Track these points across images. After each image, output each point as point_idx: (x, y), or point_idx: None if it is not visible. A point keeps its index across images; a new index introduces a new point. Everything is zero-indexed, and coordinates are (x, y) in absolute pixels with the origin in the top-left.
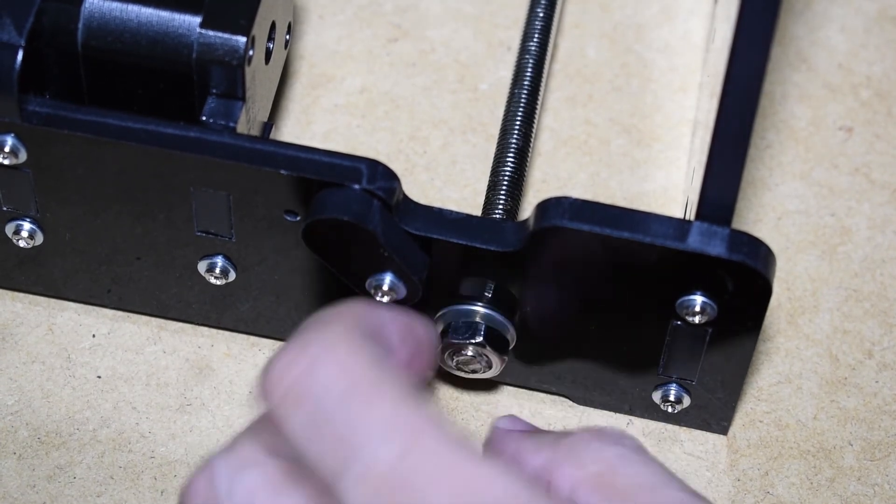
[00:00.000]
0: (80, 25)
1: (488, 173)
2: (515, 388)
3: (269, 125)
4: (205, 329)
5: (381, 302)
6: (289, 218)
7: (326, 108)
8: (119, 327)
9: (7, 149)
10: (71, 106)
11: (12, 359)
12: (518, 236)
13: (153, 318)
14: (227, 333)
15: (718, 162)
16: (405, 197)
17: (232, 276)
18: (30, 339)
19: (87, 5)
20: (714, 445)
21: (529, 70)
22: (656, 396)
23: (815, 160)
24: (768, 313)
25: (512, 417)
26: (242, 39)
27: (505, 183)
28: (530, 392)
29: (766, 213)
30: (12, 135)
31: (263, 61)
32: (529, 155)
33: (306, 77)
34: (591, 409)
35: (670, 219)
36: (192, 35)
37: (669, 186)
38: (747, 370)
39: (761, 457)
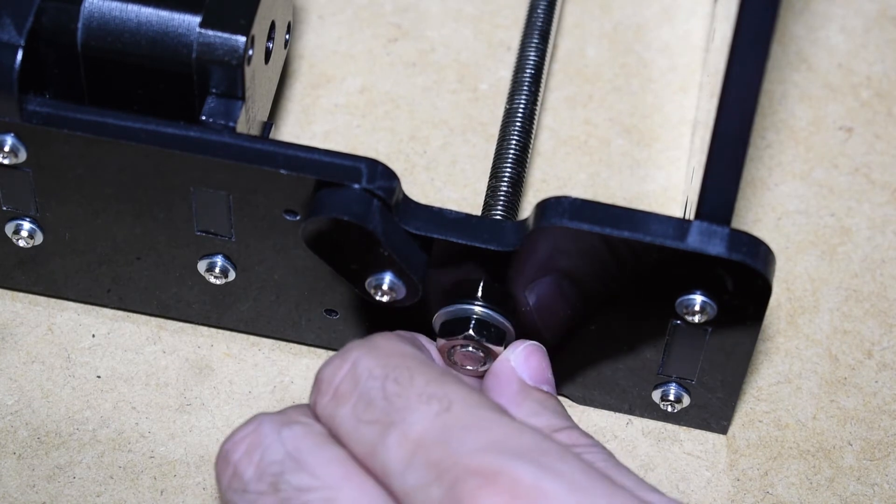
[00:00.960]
0: (80, 25)
1: (488, 173)
2: None
3: (268, 125)
4: (204, 329)
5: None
6: (288, 217)
7: (326, 108)
8: (119, 327)
9: (7, 148)
10: (71, 105)
11: (12, 359)
12: (518, 236)
13: (153, 318)
14: (226, 333)
15: (718, 161)
16: (405, 196)
17: (232, 275)
18: (29, 338)
19: (86, 5)
20: (714, 445)
21: (529, 70)
22: (656, 396)
23: (815, 160)
24: (768, 313)
25: (527, 353)
26: (242, 39)
27: (505, 183)
28: None
29: (765, 213)
30: (12, 134)
31: (263, 61)
32: (529, 155)
33: (306, 77)
34: (591, 407)
35: (670, 218)
36: (191, 35)
37: (669, 187)
38: (747, 369)
39: (761, 457)
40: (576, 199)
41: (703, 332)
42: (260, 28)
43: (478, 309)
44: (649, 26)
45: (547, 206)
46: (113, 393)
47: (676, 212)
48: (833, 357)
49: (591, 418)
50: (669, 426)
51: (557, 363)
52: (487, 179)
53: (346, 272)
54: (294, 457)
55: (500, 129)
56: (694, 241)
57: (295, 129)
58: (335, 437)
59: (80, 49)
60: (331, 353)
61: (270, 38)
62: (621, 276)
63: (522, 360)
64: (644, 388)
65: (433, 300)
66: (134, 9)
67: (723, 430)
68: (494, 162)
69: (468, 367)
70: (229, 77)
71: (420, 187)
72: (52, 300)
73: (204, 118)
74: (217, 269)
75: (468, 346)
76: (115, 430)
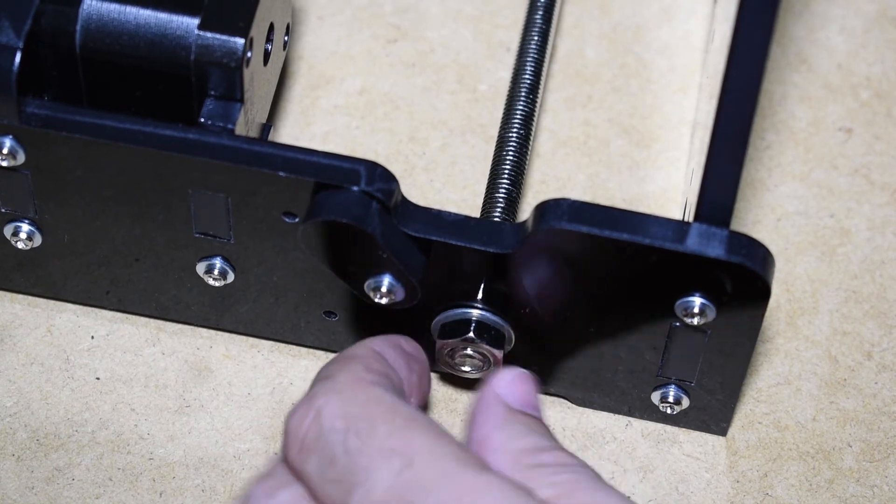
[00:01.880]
0: (79, 27)
1: (487, 174)
2: None
3: (267, 126)
4: (203, 331)
5: (378, 337)
6: (287, 220)
7: (326, 109)
8: (118, 329)
9: (6, 150)
10: (69, 108)
11: (11, 360)
12: (517, 238)
13: (152, 320)
14: (225, 335)
15: (717, 163)
16: (404, 199)
17: (230, 277)
18: (28, 340)
19: (85, 7)
20: (713, 447)
21: (529, 71)
22: (655, 397)
23: (815, 161)
24: (768, 314)
25: (513, 379)
26: (241, 41)
27: (504, 184)
28: None
29: (765, 214)
30: (11, 136)
31: (262, 63)
32: (528, 156)
33: (305, 78)
34: (590, 410)
35: (669, 220)
36: (190, 37)
37: (668, 188)
38: (746, 371)
39: (760, 458)
40: (575, 202)
41: (702, 334)
42: (258, 30)
43: (477, 311)
44: (648, 27)
45: (546, 209)
46: (112, 395)
47: (675, 213)
48: (833, 358)
49: (591, 420)
50: (669, 428)
51: (557, 365)
52: (487, 180)
53: (345, 274)
54: None
55: (500, 130)
56: (693, 243)
57: (294, 130)
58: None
59: (79, 51)
60: (330, 354)
61: (269, 39)
62: (621, 278)
63: (508, 386)
64: (643, 389)
65: (432, 302)
66: (132, 11)
67: (722, 431)
68: (493, 163)
69: (466, 370)
70: (228, 79)
71: (419, 188)
72: (51, 302)
73: (202, 120)
74: (216, 271)
75: (467, 348)
76: (114, 431)
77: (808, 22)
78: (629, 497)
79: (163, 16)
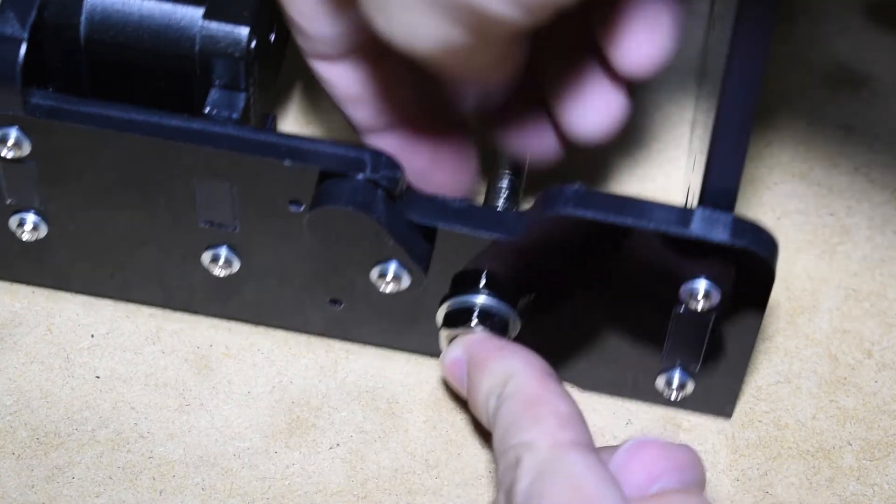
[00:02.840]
0: (83, 18)
1: (487, 174)
2: None
3: (270, 117)
4: (203, 329)
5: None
6: (293, 208)
7: (326, 108)
8: (118, 327)
9: (11, 142)
10: (74, 98)
11: (11, 359)
12: (521, 225)
13: (152, 319)
14: (225, 333)
15: (721, 148)
16: (408, 186)
17: (236, 265)
18: (28, 339)
19: None
20: (713, 445)
21: None
22: (660, 382)
23: (815, 160)
24: (768, 313)
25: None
26: (245, 31)
27: (505, 183)
28: None
29: (765, 212)
30: (16, 127)
31: (265, 52)
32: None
33: (305, 77)
34: (590, 407)
35: (673, 206)
36: (194, 27)
37: (668, 186)
38: (750, 355)
39: (760, 457)
40: (580, 188)
41: (706, 318)
42: (262, 19)
43: (481, 299)
44: None
45: (551, 195)
46: (112, 393)
47: None
48: (832, 357)
49: (591, 418)
50: (669, 426)
51: (562, 351)
52: (486, 181)
53: (351, 262)
54: None
55: None
56: (697, 227)
57: (293, 129)
58: None
59: (83, 42)
60: (335, 343)
61: (272, 29)
62: (625, 263)
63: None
64: (648, 374)
65: (437, 290)
66: (136, 2)
67: (727, 415)
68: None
69: None
70: (232, 69)
71: None
72: (51, 300)
73: (207, 110)
74: (221, 260)
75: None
76: (114, 430)
77: (809, 21)
78: None
79: (167, 6)
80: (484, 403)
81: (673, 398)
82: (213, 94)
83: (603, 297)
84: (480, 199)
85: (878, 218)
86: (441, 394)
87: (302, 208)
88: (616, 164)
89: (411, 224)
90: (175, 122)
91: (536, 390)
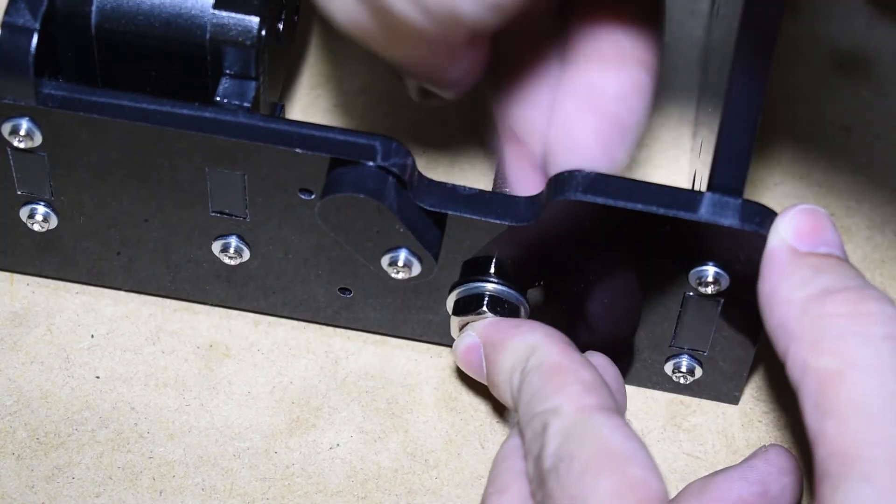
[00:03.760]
0: (94, 8)
1: (488, 174)
2: None
3: (279, 106)
4: (203, 329)
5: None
6: (303, 196)
7: (326, 108)
8: (118, 328)
9: (23, 132)
10: (86, 88)
11: (11, 359)
12: (531, 211)
13: (152, 319)
14: (225, 334)
15: (730, 134)
16: (419, 173)
17: (246, 255)
18: (28, 339)
19: None
20: (713, 446)
21: None
22: (668, 368)
23: (815, 160)
24: None
25: (793, 217)
26: (255, 20)
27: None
28: None
29: None
30: (27, 118)
31: (275, 41)
32: None
33: (306, 77)
34: None
35: (683, 190)
36: (205, 16)
37: None
38: (758, 340)
39: None
40: (589, 173)
41: (715, 302)
42: (271, 8)
43: (491, 285)
44: None
45: (560, 181)
46: (112, 393)
47: None
48: None
49: None
50: (668, 426)
51: (571, 337)
52: (488, 181)
53: (362, 249)
54: None
55: None
56: (707, 212)
57: (301, 118)
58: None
59: (94, 32)
60: (341, 332)
61: (280, 18)
62: (635, 248)
63: (789, 228)
64: (656, 360)
65: (447, 277)
66: None
67: (734, 400)
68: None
69: None
70: (243, 58)
71: None
72: (52, 300)
73: (218, 99)
74: (231, 250)
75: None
76: (114, 430)
77: (809, 21)
78: None
79: None
80: (507, 381)
81: (681, 383)
82: (224, 83)
83: (612, 281)
84: (489, 186)
85: (878, 218)
86: (441, 394)
87: (312, 196)
88: None
89: (422, 211)
90: (186, 111)
91: (559, 360)
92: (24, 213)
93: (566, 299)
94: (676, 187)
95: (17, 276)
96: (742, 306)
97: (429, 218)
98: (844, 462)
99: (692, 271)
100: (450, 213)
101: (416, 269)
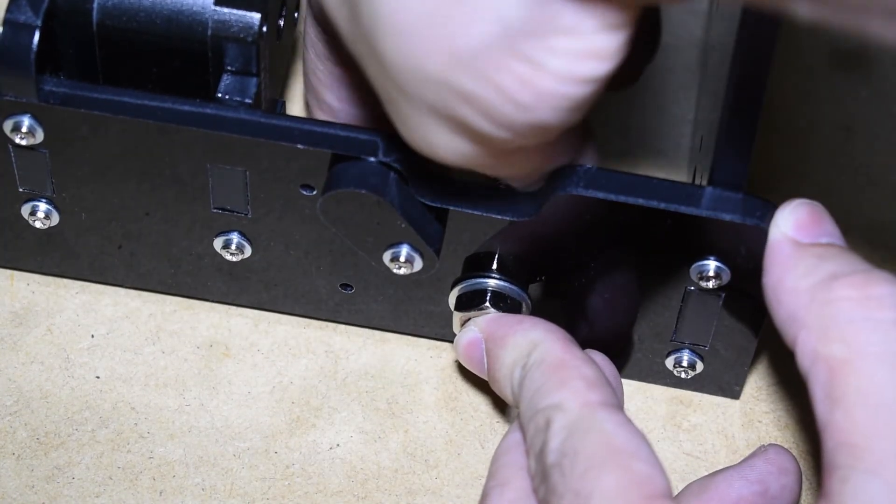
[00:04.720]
0: (96, 5)
1: None
2: None
3: (280, 102)
4: (203, 329)
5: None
6: (305, 192)
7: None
8: (118, 328)
9: (24, 129)
10: (87, 85)
11: (11, 359)
12: (533, 206)
13: (152, 319)
14: (225, 334)
15: (731, 129)
16: (420, 168)
17: (247, 251)
18: (28, 339)
19: None
20: (713, 446)
21: None
22: (669, 362)
23: (815, 160)
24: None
25: (793, 211)
26: (257, 16)
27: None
28: None
29: None
30: (29, 115)
31: (276, 37)
32: None
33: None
34: None
35: (684, 185)
36: (206, 12)
37: None
38: (759, 334)
39: None
40: (590, 168)
41: (716, 297)
42: (272, 4)
43: (494, 281)
44: None
45: (561, 175)
46: (112, 393)
47: None
48: None
49: None
50: (668, 426)
51: (573, 332)
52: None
53: (363, 245)
54: None
55: None
56: (708, 206)
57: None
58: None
59: (96, 29)
60: (341, 328)
61: (281, 14)
62: (636, 243)
63: (789, 221)
64: (657, 354)
65: (449, 272)
66: None
67: (735, 395)
68: None
69: None
70: (245, 54)
71: None
72: (52, 300)
73: (220, 95)
74: (233, 246)
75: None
76: (114, 430)
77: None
78: None
79: None
80: (508, 377)
81: (682, 378)
82: (226, 80)
83: (613, 278)
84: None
85: (877, 218)
86: (441, 394)
87: (314, 192)
88: (616, 164)
89: (423, 206)
90: (188, 107)
91: (562, 356)
92: (25, 210)
93: (568, 294)
94: (678, 182)
95: (17, 276)
96: (743, 300)
97: (430, 213)
98: (853, 453)
99: (693, 266)
100: (451, 208)
101: (418, 264)
